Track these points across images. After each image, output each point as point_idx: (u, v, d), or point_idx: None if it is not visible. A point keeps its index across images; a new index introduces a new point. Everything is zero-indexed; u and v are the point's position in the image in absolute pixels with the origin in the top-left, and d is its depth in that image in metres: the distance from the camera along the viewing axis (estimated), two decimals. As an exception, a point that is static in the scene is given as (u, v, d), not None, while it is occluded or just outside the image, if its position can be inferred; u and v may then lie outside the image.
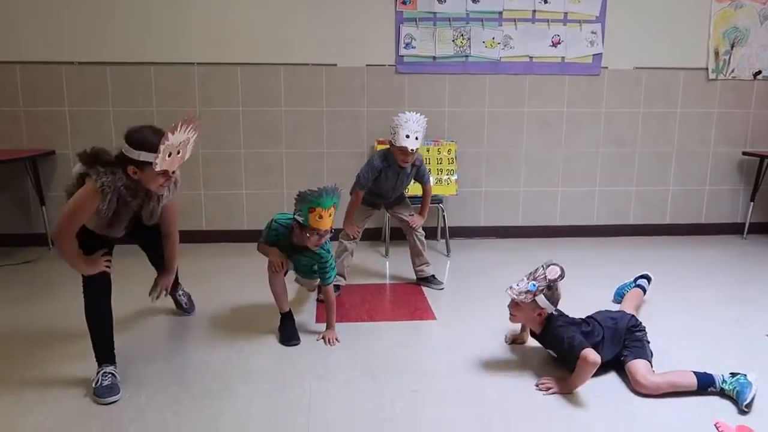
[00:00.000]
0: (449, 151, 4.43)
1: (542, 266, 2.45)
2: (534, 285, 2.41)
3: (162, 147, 2.04)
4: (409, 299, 3.43)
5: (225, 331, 2.95)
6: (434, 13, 4.40)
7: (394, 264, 4.07)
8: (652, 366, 2.43)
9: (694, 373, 2.35)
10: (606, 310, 2.64)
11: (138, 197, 2.26)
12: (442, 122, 4.54)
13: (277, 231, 2.79)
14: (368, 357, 2.67)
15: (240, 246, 4.42)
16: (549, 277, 2.40)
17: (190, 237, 4.49)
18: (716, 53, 4.66)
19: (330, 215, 2.61)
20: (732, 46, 4.66)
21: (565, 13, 4.48)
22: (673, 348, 2.75)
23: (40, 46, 4.15)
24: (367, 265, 3.95)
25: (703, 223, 4.93)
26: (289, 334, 2.83)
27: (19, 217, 4.42)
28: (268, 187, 4.54)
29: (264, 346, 2.79)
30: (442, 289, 3.56)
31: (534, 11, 4.46)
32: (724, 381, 2.32)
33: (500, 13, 4.44)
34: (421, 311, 3.24)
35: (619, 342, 2.50)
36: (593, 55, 4.54)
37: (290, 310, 2.93)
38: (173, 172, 2.20)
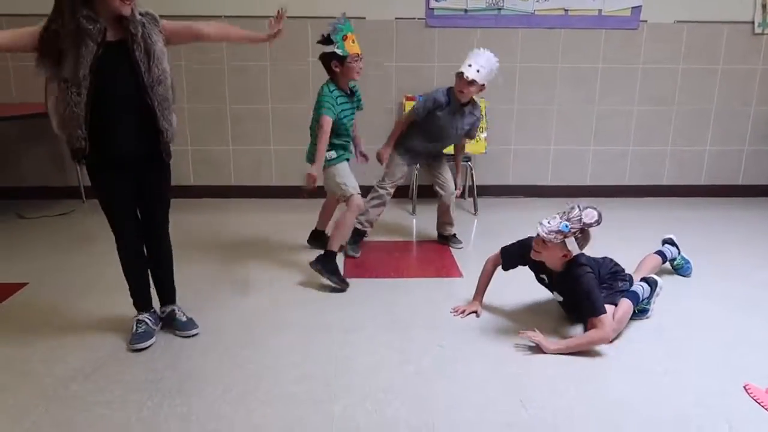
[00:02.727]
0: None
1: (578, 207, 2.32)
2: (567, 226, 2.29)
3: None
4: (436, 257, 3.43)
5: (253, 285, 3.01)
6: (467, -37, 4.25)
7: (422, 222, 4.06)
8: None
9: (628, 297, 2.50)
10: (590, 257, 2.53)
11: (98, 23, 2.00)
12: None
13: (331, 93, 2.95)
14: (394, 312, 2.70)
15: (267, 201, 4.46)
16: (585, 220, 2.28)
17: (219, 192, 4.56)
18: (764, 6, 4.41)
19: (354, 40, 2.89)
20: (782, -3, 4.41)
21: (605, -37, 4.28)
22: (705, 312, 2.72)
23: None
24: (394, 222, 3.95)
25: (741, 184, 4.78)
26: (340, 276, 2.97)
27: (54, 170, 4.51)
28: (296, 143, 4.52)
29: (291, 299, 2.84)
30: (461, 248, 3.56)
31: (571, -39, 4.27)
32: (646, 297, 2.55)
33: (536, -38, 4.27)
34: (447, 269, 3.24)
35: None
36: (632, 7, 4.35)
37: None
38: None
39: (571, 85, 4.53)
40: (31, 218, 4.06)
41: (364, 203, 3.18)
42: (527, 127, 4.60)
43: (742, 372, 2.21)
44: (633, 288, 2.60)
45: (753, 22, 4.44)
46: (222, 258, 3.35)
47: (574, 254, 2.34)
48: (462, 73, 3.11)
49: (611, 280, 2.56)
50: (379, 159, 3.37)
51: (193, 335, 2.46)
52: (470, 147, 4.32)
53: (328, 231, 3.27)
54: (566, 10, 4.36)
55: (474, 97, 3.30)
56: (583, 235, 2.31)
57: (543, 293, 2.74)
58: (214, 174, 4.59)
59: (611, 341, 2.39)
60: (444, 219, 3.61)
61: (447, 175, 3.51)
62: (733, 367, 2.25)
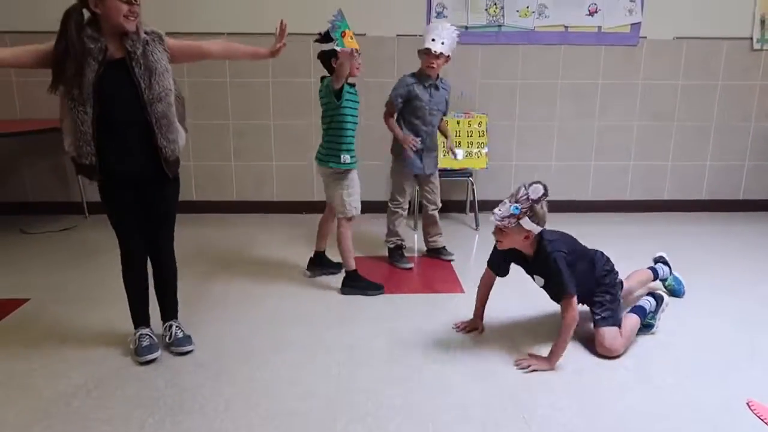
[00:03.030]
0: (480, 123, 4.37)
1: (524, 186, 2.33)
2: (517, 207, 2.28)
3: None
4: (437, 272, 3.43)
5: (253, 301, 3.00)
6: (467, -19, 4.30)
7: (423, 237, 4.06)
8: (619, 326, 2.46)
9: (637, 314, 2.55)
10: (572, 240, 2.53)
11: (99, 42, 2.05)
12: (474, 94, 4.47)
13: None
14: (396, 328, 2.69)
15: (269, 217, 4.48)
16: (532, 197, 2.27)
17: (221, 207, 4.58)
18: (762, 22, 4.46)
19: (352, 36, 2.81)
20: (779, 15, 4.46)
21: (604, -19, 4.33)
22: (708, 327, 2.71)
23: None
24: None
25: (741, 199, 4.79)
26: (372, 284, 3.05)
27: (58, 185, 4.54)
28: (298, 159, 4.55)
29: (293, 315, 2.83)
30: (453, 260, 3.56)
31: (571, -21, 4.32)
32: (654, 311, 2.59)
33: (535, -20, 4.32)
34: (449, 284, 3.24)
35: (590, 284, 2.48)
36: (631, 24, 4.40)
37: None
38: (136, 1, 2.08)
39: (571, 101, 4.56)
40: (34, 233, 4.07)
41: (390, 219, 3.46)
42: (528, 142, 4.62)
43: (745, 388, 2.20)
44: (640, 302, 2.62)
45: (752, 39, 4.48)
46: (223, 273, 3.36)
47: (535, 233, 2.34)
48: (429, 48, 3.18)
49: (607, 280, 2.52)
50: (410, 144, 3.30)
51: (187, 352, 2.44)
52: (471, 162, 4.34)
53: (328, 251, 3.27)
54: (566, 27, 4.41)
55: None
56: (533, 212, 2.29)
57: (542, 306, 2.73)
58: (216, 189, 4.60)
59: (619, 356, 2.40)
60: (433, 231, 3.65)
61: (436, 188, 3.57)
62: (736, 383, 2.24)
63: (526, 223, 2.28)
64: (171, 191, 2.39)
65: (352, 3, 4.26)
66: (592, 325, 2.52)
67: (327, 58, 2.89)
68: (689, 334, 2.64)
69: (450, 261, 3.58)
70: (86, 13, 2.09)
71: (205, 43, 2.38)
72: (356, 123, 2.99)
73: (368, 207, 4.55)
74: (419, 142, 3.32)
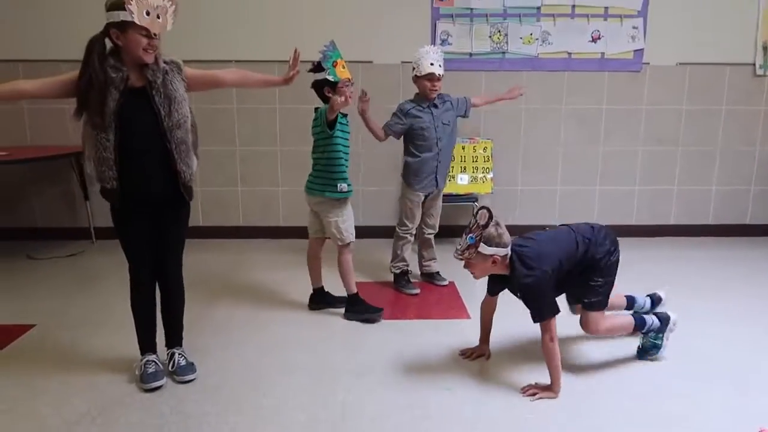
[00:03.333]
0: (485, 149, 4.39)
1: (473, 216, 2.37)
2: (472, 238, 2.31)
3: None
4: (443, 298, 3.42)
5: (259, 325, 3.00)
6: (471, 9, 4.37)
7: (428, 261, 4.06)
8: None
9: (633, 316, 2.59)
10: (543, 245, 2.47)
11: (121, 72, 2.12)
12: (478, 120, 4.51)
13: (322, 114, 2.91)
14: (402, 355, 2.67)
15: (275, 242, 4.49)
16: (481, 222, 2.31)
17: (227, 232, 4.60)
18: (765, 48, 4.49)
19: (345, 65, 2.88)
20: (782, 41, 4.50)
21: (606, 8, 4.39)
22: (716, 354, 2.68)
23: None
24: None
25: (748, 224, 4.77)
26: (369, 308, 3.06)
27: (65, 211, 4.57)
28: (304, 184, 4.56)
29: (298, 340, 2.82)
30: (446, 284, 3.56)
31: (573, 6, 4.38)
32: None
33: (538, 8, 4.38)
34: (455, 310, 3.23)
35: (584, 279, 2.43)
36: (634, 50, 4.44)
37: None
38: (156, 35, 2.15)
39: (575, 126, 4.58)
40: (41, 259, 4.09)
41: (397, 244, 3.48)
42: (533, 167, 4.64)
43: (756, 416, 2.16)
44: (643, 315, 2.61)
45: (754, 64, 4.52)
46: (229, 298, 3.36)
47: (501, 255, 2.33)
48: (432, 73, 3.26)
49: (602, 263, 2.44)
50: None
51: (189, 381, 2.43)
52: (477, 187, 4.36)
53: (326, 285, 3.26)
54: (569, 54, 4.46)
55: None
56: (488, 237, 2.29)
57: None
58: (222, 215, 4.63)
59: (597, 335, 2.55)
60: (427, 255, 3.65)
61: (437, 211, 3.60)
62: (746, 412, 2.21)
63: (485, 249, 2.30)
64: (184, 215, 2.44)
65: (359, 31, 4.36)
66: (575, 304, 2.58)
67: (320, 87, 2.92)
68: (697, 361, 2.61)
69: (443, 286, 3.57)
70: (108, 43, 2.16)
71: (220, 72, 2.45)
72: (348, 152, 3.02)
73: (373, 232, 4.60)
74: (418, 190, 3.42)
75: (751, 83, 4.55)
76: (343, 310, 3.14)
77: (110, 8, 2.10)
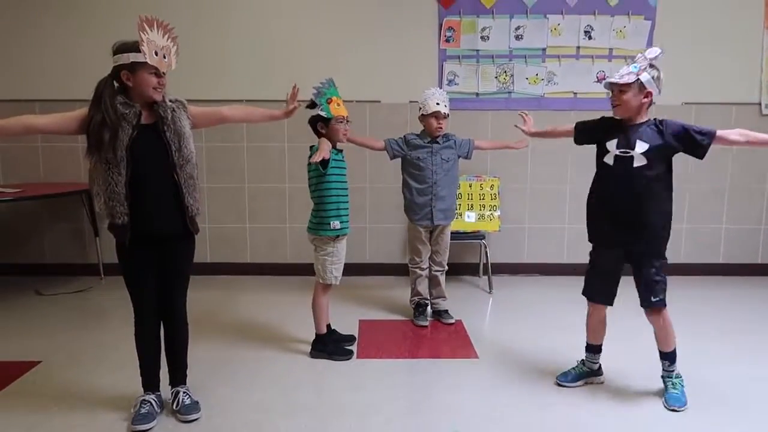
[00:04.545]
0: (492, 186, 4.41)
1: (640, 53, 2.43)
2: (636, 66, 2.37)
3: (144, 38, 2.13)
4: (451, 336, 3.38)
5: (265, 364, 2.96)
6: (477, 50, 4.45)
7: (436, 300, 4.03)
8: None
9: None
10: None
11: (134, 108, 2.18)
12: (485, 158, 4.54)
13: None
14: (409, 395, 2.63)
15: (282, 279, 4.48)
16: (649, 56, 2.37)
17: (234, 269, 4.60)
18: (770, 88, 4.53)
19: (340, 103, 2.89)
20: (787, 81, 4.53)
21: (610, 49, 4.46)
22: (728, 396, 2.61)
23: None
24: (407, 301, 3.92)
25: (760, 263, 4.72)
26: (341, 349, 3.05)
27: (75, 247, 4.60)
28: (312, 221, 4.59)
29: (305, 380, 2.79)
30: (452, 324, 3.54)
31: (578, 47, 4.46)
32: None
33: (544, 49, 4.46)
34: (463, 349, 3.18)
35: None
36: (640, 90, 4.48)
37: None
38: (164, 74, 2.22)
39: (583, 165, 4.54)
40: (49, 295, 4.10)
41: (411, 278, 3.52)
42: (540, 205, 4.64)
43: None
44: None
45: (760, 104, 4.54)
46: (235, 336, 3.34)
47: (655, 94, 2.39)
48: (438, 111, 3.38)
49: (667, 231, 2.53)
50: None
51: (193, 420, 2.39)
52: (484, 225, 4.35)
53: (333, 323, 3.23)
54: (575, 93, 4.51)
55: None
56: (652, 70, 2.37)
57: (555, 366, 2.66)
58: (230, 251, 4.64)
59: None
60: (435, 293, 3.65)
61: (444, 249, 3.59)
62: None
63: (646, 79, 2.36)
64: (190, 249, 2.46)
65: (368, 71, 4.45)
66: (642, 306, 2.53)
67: (314, 124, 2.95)
68: (711, 404, 2.54)
69: (449, 324, 3.54)
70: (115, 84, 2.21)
71: (225, 108, 2.52)
72: (346, 188, 3.00)
73: (380, 269, 4.58)
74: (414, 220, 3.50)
75: (758, 122, 4.56)
76: (351, 345, 3.15)
77: (120, 51, 2.17)
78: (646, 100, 2.40)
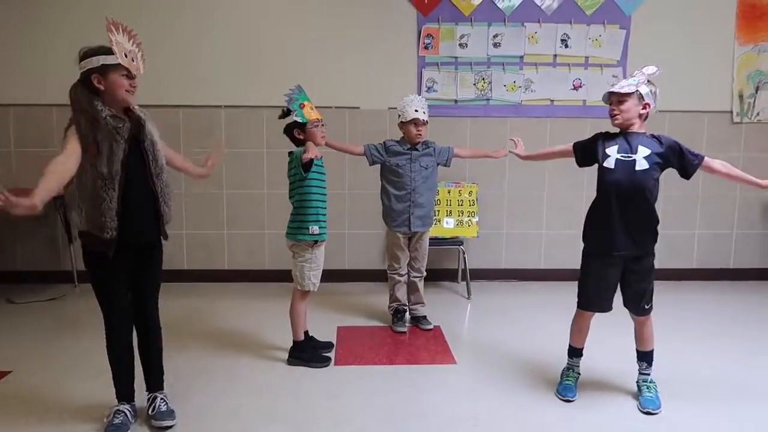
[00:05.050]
0: (470, 193, 4.43)
1: (638, 69, 2.53)
2: (635, 80, 2.46)
3: (113, 39, 2.09)
4: (429, 342, 3.38)
5: (243, 371, 2.94)
6: (456, 57, 4.48)
7: (415, 306, 4.03)
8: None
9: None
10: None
11: (125, 122, 2.15)
12: (464, 164, 4.56)
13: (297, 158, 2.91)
14: (387, 402, 2.62)
15: (260, 285, 4.45)
16: (647, 72, 2.48)
17: (212, 276, 4.55)
18: (740, 96, 4.64)
19: (312, 107, 2.94)
20: (756, 90, 4.64)
21: (586, 57, 4.53)
22: (704, 398, 2.65)
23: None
24: (386, 307, 3.92)
25: (732, 267, 4.81)
26: (318, 356, 3.04)
27: (48, 254, 4.52)
28: (290, 227, 4.57)
29: (282, 388, 2.77)
30: (431, 329, 3.54)
31: (555, 55, 4.52)
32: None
33: (521, 57, 4.51)
34: (441, 355, 3.19)
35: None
36: (615, 98, 4.55)
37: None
38: (135, 79, 2.18)
39: (559, 172, 4.65)
40: (21, 303, 4.02)
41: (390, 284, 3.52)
42: (518, 211, 4.68)
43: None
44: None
45: (731, 112, 4.65)
46: (212, 343, 3.30)
47: (652, 106, 2.48)
48: (417, 118, 3.39)
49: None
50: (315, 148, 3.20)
51: (167, 427, 2.36)
52: (462, 231, 4.38)
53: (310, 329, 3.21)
54: (552, 101, 4.57)
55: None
56: (650, 84, 2.47)
57: (540, 382, 2.68)
58: (208, 258, 4.60)
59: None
60: (414, 299, 3.66)
61: (422, 256, 3.60)
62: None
63: (645, 91, 2.45)
64: (161, 255, 2.45)
65: (348, 78, 4.45)
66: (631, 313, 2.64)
67: (290, 131, 2.94)
68: (687, 406, 2.58)
69: (428, 330, 3.55)
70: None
71: (170, 150, 2.49)
72: (325, 194, 3.01)
73: (359, 276, 4.58)
74: (393, 227, 3.51)
75: (729, 130, 4.67)
76: (328, 351, 3.15)
77: (88, 55, 2.12)
78: (644, 111, 2.48)
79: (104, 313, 2.33)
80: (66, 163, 2.03)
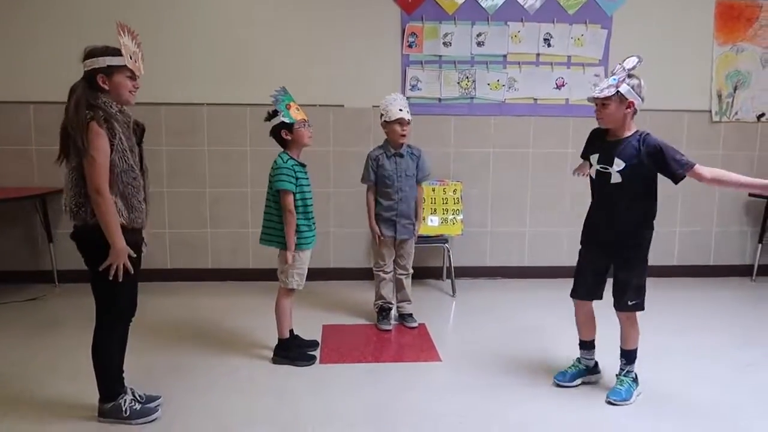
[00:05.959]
0: (455, 191, 4.45)
1: (618, 64, 2.43)
2: (614, 78, 2.37)
3: (121, 41, 2.15)
4: (414, 340, 3.39)
5: (228, 371, 2.92)
6: (440, 56, 4.49)
7: (400, 304, 4.04)
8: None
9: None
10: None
11: (129, 117, 2.28)
12: (448, 162, 4.58)
13: (286, 163, 2.91)
14: (372, 400, 2.62)
15: (244, 284, 4.42)
16: (627, 66, 2.38)
17: (195, 275, 4.52)
18: (719, 96, 4.71)
19: (298, 108, 2.93)
20: (735, 89, 4.72)
21: (569, 57, 4.56)
22: (685, 393, 2.69)
23: (53, 86, 4.25)
24: (372, 305, 3.92)
25: (712, 264, 4.89)
26: (303, 354, 3.03)
27: (27, 253, 4.44)
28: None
29: (265, 387, 2.75)
30: (416, 327, 3.55)
31: (538, 54, 4.55)
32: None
33: (504, 56, 4.53)
34: (426, 352, 3.20)
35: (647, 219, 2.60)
36: (597, 97, 4.60)
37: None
38: (138, 79, 2.28)
39: (543, 169, 4.69)
40: (0, 304, 3.94)
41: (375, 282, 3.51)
42: (502, 209, 4.71)
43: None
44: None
45: (710, 111, 4.72)
46: (196, 342, 3.27)
47: (637, 103, 2.39)
48: (402, 118, 3.38)
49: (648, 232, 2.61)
50: (377, 234, 3.50)
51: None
52: (447, 228, 4.39)
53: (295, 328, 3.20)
54: (535, 99, 4.60)
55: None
56: (631, 80, 2.37)
57: (525, 379, 2.69)
58: (191, 257, 4.55)
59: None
60: (400, 296, 3.66)
61: (408, 254, 3.61)
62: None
63: (626, 90, 2.36)
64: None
65: (332, 76, 4.44)
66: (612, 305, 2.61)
67: (277, 132, 2.93)
68: (666, 402, 2.61)
69: (413, 328, 3.56)
70: None
71: None
72: (310, 205, 2.98)
73: (345, 274, 4.57)
74: (383, 233, 3.50)
75: (709, 129, 4.74)
76: (313, 350, 3.13)
77: (94, 55, 2.17)
78: (628, 110, 2.43)
79: (110, 308, 2.30)
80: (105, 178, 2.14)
